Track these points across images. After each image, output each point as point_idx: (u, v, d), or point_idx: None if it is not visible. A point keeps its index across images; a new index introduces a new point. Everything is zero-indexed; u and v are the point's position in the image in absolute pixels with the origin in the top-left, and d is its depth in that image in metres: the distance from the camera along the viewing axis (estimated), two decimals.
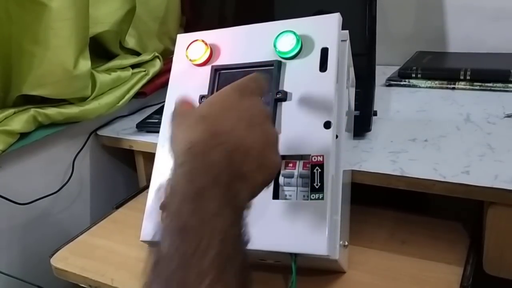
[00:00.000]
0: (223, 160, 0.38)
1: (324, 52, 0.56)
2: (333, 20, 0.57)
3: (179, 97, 0.46)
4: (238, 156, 0.39)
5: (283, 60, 0.58)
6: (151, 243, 0.57)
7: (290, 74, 0.57)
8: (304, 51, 0.57)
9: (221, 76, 0.60)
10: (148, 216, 0.58)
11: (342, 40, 0.58)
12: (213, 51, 0.62)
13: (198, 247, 0.32)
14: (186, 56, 0.62)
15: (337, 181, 0.54)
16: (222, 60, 0.61)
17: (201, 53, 0.61)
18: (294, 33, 0.56)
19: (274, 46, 0.57)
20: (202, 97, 0.60)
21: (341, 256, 0.54)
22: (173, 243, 0.33)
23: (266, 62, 0.58)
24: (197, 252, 0.32)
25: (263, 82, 0.47)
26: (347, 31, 0.60)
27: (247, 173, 0.39)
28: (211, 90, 0.60)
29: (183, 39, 0.65)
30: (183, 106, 0.45)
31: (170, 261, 0.33)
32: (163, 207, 0.41)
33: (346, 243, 0.59)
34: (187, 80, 0.63)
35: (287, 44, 0.57)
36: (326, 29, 0.57)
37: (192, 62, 0.62)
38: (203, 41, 0.62)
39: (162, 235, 0.35)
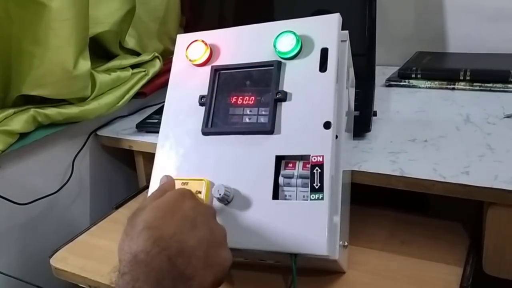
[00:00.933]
0: (166, 266, 0.39)
1: (324, 52, 0.56)
2: (333, 20, 0.57)
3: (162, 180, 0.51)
4: (181, 259, 0.40)
5: (283, 60, 0.58)
6: None
7: (290, 74, 0.57)
8: (304, 51, 0.57)
9: (221, 76, 0.60)
10: None
11: (342, 41, 0.58)
12: (213, 51, 0.62)
13: None
14: (186, 56, 0.62)
15: (337, 181, 0.54)
16: (222, 60, 0.61)
17: (201, 53, 0.61)
18: (294, 33, 0.56)
19: (274, 46, 0.57)
20: (202, 97, 0.60)
21: (341, 256, 0.54)
22: None
23: (266, 62, 0.58)
24: None
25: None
26: (347, 32, 0.60)
27: (193, 274, 0.40)
28: (211, 90, 0.60)
29: (183, 39, 0.65)
30: (137, 209, 0.46)
31: None
32: None
33: (346, 243, 0.59)
34: (187, 80, 0.63)
35: (287, 44, 0.57)
36: (326, 29, 0.57)
37: (192, 62, 0.62)
38: (203, 41, 0.62)
39: None
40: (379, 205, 0.76)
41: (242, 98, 0.58)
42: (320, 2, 0.89)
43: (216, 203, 0.54)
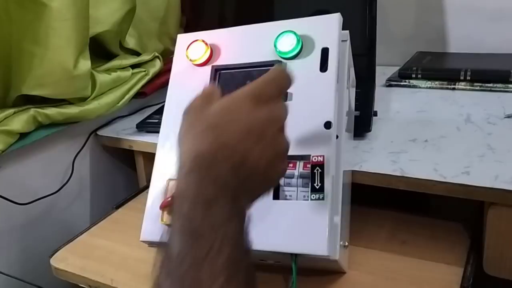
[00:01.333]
0: (229, 175, 0.38)
1: (325, 52, 0.56)
2: (334, 20, 0.57)
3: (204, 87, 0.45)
4: (243, 171, 0.39)
5: (283, 60, 0.58)
6: (151, 243, 0.57)
7: None
8: (305, 51, 0.57)
9: (221, 76, 0.60)
10: (148, 216, 0.58)
11: (342, 40, 0.58)
12: (213, 51, 0.62)
13: (211, 250, 0.34)
14: (186, 56, 0.62)
15: (337, 181, 0.54)
16: (222, 60, 0.61)
17: (201, 53, 0.61)
18: (295, 33, 0.56)
19: (275, 46, 0.57)
20: None
21: (341, 256, 0.54)
22: (184, 245, 0.34)
23: (267, 62, 0.58)
24: (210, 255, 0.34)
25: (282, 81, 0.45)
26: (347, 31, 0.59)
27: (252, 186, 0.40)
28: None
29: (183, 39, 0.65)
30: (203, 97, 0.44)
31: (181, 262, 0.34)
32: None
33: (346, 243, 0.59)
34: (188, 80, 0.63)
35: (288, 44, 0.57)
36: (327, 29, 0.57)
37: (192, 62, 0.62)
38: (203, 41, 0.62)
39: (171, 237, 0.36)
40: (380, 205, 0.76)
41: None
42: (320, 2, 0.89)
43: None
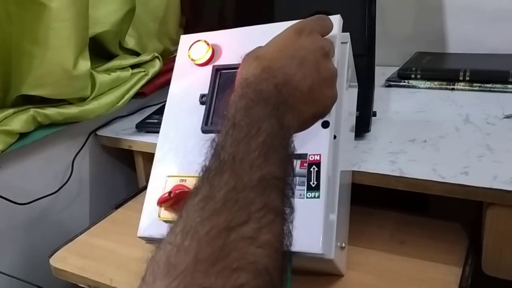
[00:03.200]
0: (272, 90, 0.43)
1: None
2: (334, 21, 0.57)
3: None
4: (286, 89, 0.43)
5: None
6: (148, 240, 0.57)
7: None
8: None
9: (222, 76, 0.61)
10: (145, 212, 0.58)
11: (342, 42, 0.58)
12: (215, 52, 0.62)
13: (247, 135, 0.38)
14: (188, 56, 0.62)
15: (334, 180, 0.54)
16: (223, 60, 0.62)
17: (202, 53, 0.61)
18: None
19: None
20: (202, 96, 0.60)
21: (337, 257, 0.54)
22: (224, 136, 0.39)
23: None
24: (246, 137, 0.38)
25: (325, 23, 0.51)
26: (348, 34, 0.60)
27: (294, 105, 0.44)
28: (212, 89, 0.60)
29: (186, 39, 0.65)
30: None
31: (222, 147, 0.39)
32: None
33: (344, 244, 0.59)
34: (189, 80, 0.63)
35: None
36: None
37: (194, 62, 0.62)
38: (205, 41, 0.62)
39: (218, 135, 0.40)
40: (379, 205, 0.76)
41: None
42: (320, 2, 0.89)
43: None
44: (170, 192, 0.52)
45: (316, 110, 0.47)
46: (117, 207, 0.85)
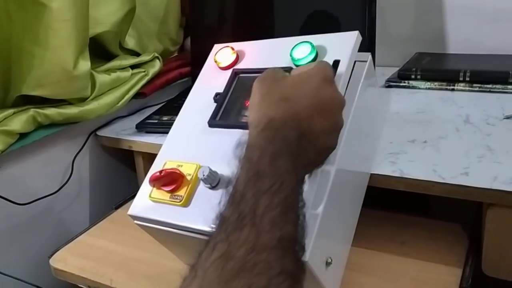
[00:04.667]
0: (295, 139, 0.43)
1: (336, 64, 0.56)
2: (351, 36, 0.59)
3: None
4: (307, 140, 0.45)
5: (295, 68, 0.58)
6: (137, 219, 0.57)
7: None
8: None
9: (239, 78, 0.63)
10: (140, 192, 0.58)
11: (359, 61, 0.59)
12: (239, 57, 0.66)
13: (271, 188, 0.38)
14: (214, 60, 0.66)
15: (325, 175, 0.53)
16: (243, 65, 0.65)
17: (226, 57, 0.65)
18: (311, 43, 0.58)
19: (290, 55, 0.58)
20: (217, 94, 0.62)
21: (321, 271, 0.50)
22: (248, 183, 0.39)
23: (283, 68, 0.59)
24: (269, 191, 0.38)
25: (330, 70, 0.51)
26: (369, 53, 0.60)
27: (309, 154, 0.45)
28: (227, 89, 0.62)
29: (218, 47, 0.69)
30: (275, 70, 0.50)
31: (244, 195, 0.38)
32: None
33: (330, 259, 0.53)
34: (210, 81, 0.66)
35: (302, 52, 0.58)
36: (342, 43, 0.58)
37: (218, 65, 0.66)
38: (231, 47, 0.66)
39: (239, 178, 0.40)
40: (379, 206, 0.76)
41: None
42: (320, 3, 0.89)
43: (202, 187, 0.54)
44: (161, 171, 0.53)
45: (322, 158, 0.48)
46: (117, 207, 0.85)
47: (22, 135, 0.77)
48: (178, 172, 0.54)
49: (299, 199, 0.41)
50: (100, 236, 0.77)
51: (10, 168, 0.78)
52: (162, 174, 0.53)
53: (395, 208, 0.75)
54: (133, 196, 0.87)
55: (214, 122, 0.59)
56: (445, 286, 0.58)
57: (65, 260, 0.72)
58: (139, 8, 0.98)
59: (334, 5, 0.87)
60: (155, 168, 0.59)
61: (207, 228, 0.49)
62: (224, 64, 0.65)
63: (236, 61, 0.65)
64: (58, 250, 0.73)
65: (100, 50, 0.95)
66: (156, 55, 1.03)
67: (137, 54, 1.02)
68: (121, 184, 1.01)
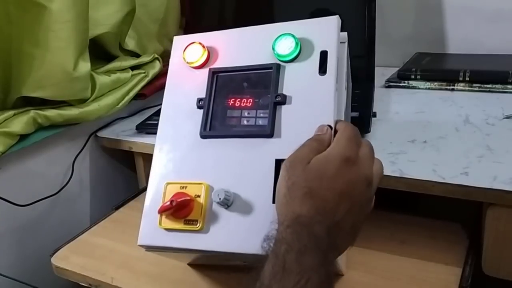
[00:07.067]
0: (323, 233, 0.43)
1: (323, 55, 0.55)
2: (332, 22, 0.57)
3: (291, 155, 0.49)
4: (335, 231, 0.45)
5: (282, 63, 0.57)
6: (149, 248, 0.57)
7: (289, 77, 0.56)
8: (303, 54, 0.57)
9: (219, 79, 0.60)
10: (145, 221, 0.56)
11: (341, 42, 0.58)
12: (211, 54, 0.61)
13: (297, 284, 0.39)
14: (183, 58, 0.61)
15: None
16: (220, 63, 0.60)
17: (198, 56, 0.60)
18: (293, 36, 0.56)
19: (273, 49, 0.57)
20: (200, 100, 0.59)
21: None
22: (274, 278, 0.40)
23: (265, 65, 0.57)
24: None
25: (358, 136, 0.50)
26: (345, 33, 0.59)
27: (339, 244, 0.46)
28: (209, 93, 0.59)
29: (180, 41, 0.64)
30: (296, 158, 0.48)
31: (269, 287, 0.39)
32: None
33: None
34: (184, 83, 0.62)
35: (286, 47, 0.56)
36: (325, 31, 0.56)
37: (189, 65, 0.61)
38: (200, 43, 0.61)
39: (265, 271, 0.41)
40: (379, 205, 0.75)
41: (240, 100, 0.58)
42: (319, 2, 0.90)
43: (215, 207, 0.53)
44: (172, 201, 0.51)
45: (351, 243, 0.49)
46: (117, 208, 0.85)
47: (23, 137, 0.77)
48: (188, 197, 0.53)
49: None
50: (101, 234, 0.77)
51: (11, 170, 0.79)
52: (173, 204, 0.51)
53: (395, 207, 0.75)
54: (134, 197, 0.88)
55: (207, 133, 0.57)
56: (445, 285, 0.58)
57: (67, 259, 0.72)
58: (139, 9, 0.98)
59: (334, 5, 0.87)
60: (153, 191, 0.57)
61: (231, 250, 0.51)
62: (197, 63, 0.60)
63: (208, 58, 0.61)
64: (60, 249, 0.74)
65: (100, 52, 0.95)
66: (156, 56, 1.03)
67: (137, 55, 1.02)
68: (122, 185, 1.01)
